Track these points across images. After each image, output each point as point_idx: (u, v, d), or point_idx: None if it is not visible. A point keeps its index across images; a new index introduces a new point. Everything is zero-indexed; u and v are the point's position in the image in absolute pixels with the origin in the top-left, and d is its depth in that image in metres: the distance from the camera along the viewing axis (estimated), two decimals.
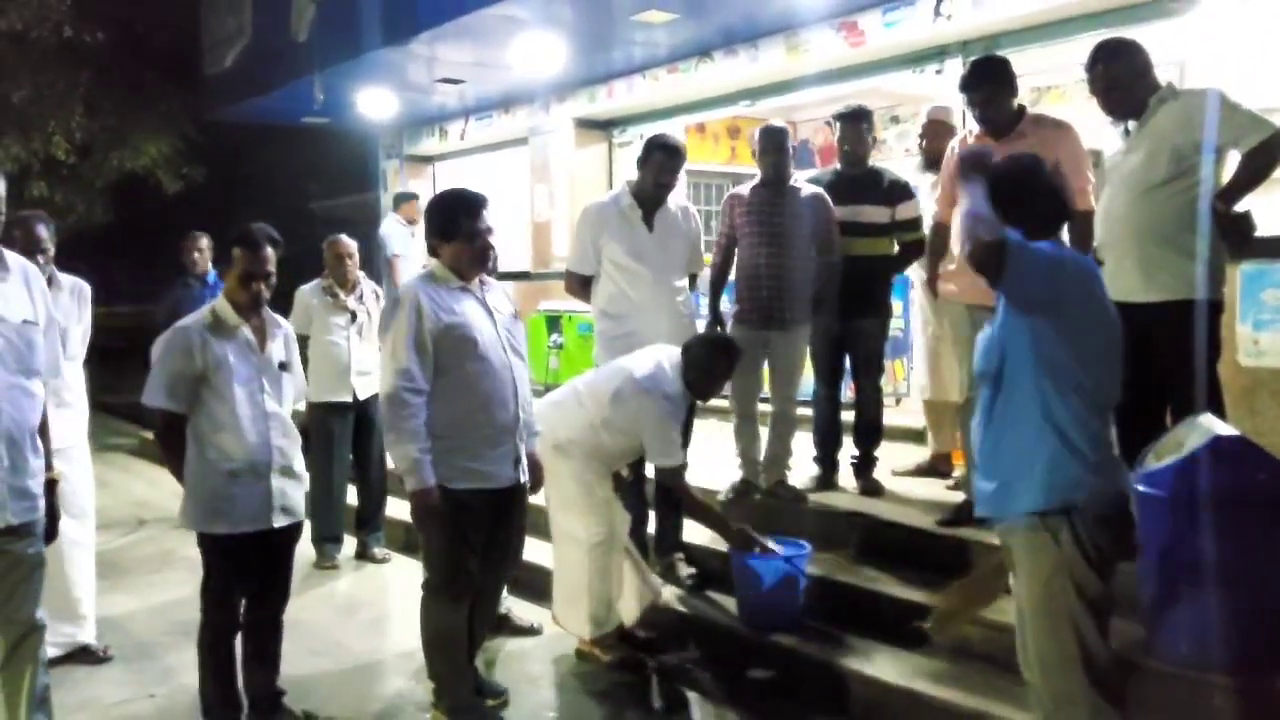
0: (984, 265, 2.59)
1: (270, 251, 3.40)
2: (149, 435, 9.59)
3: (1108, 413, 2.67)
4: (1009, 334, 2.65)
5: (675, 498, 4.41)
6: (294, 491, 3.50)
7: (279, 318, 3.58)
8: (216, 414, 3.31)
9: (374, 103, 9.36)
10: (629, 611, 4.17)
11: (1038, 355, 2.58)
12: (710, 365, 4.13)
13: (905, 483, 5.11)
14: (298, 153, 14.78)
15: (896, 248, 5.04)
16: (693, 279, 4.86)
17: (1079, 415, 2.58)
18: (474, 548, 3.54)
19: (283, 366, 3.49)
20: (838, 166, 5.10)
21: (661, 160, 4.46)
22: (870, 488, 4.91)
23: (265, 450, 3.37)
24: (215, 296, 5.38)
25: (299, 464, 3.53)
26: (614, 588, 4.11)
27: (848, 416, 5.09)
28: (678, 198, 4.68)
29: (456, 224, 3.52)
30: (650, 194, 4.53)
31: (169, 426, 3.36)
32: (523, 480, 3.65)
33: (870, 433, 5.05)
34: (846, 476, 5.04)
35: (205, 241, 6.67)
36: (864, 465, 5.02)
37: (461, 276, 3.56)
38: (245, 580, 3.48)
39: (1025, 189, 2.76)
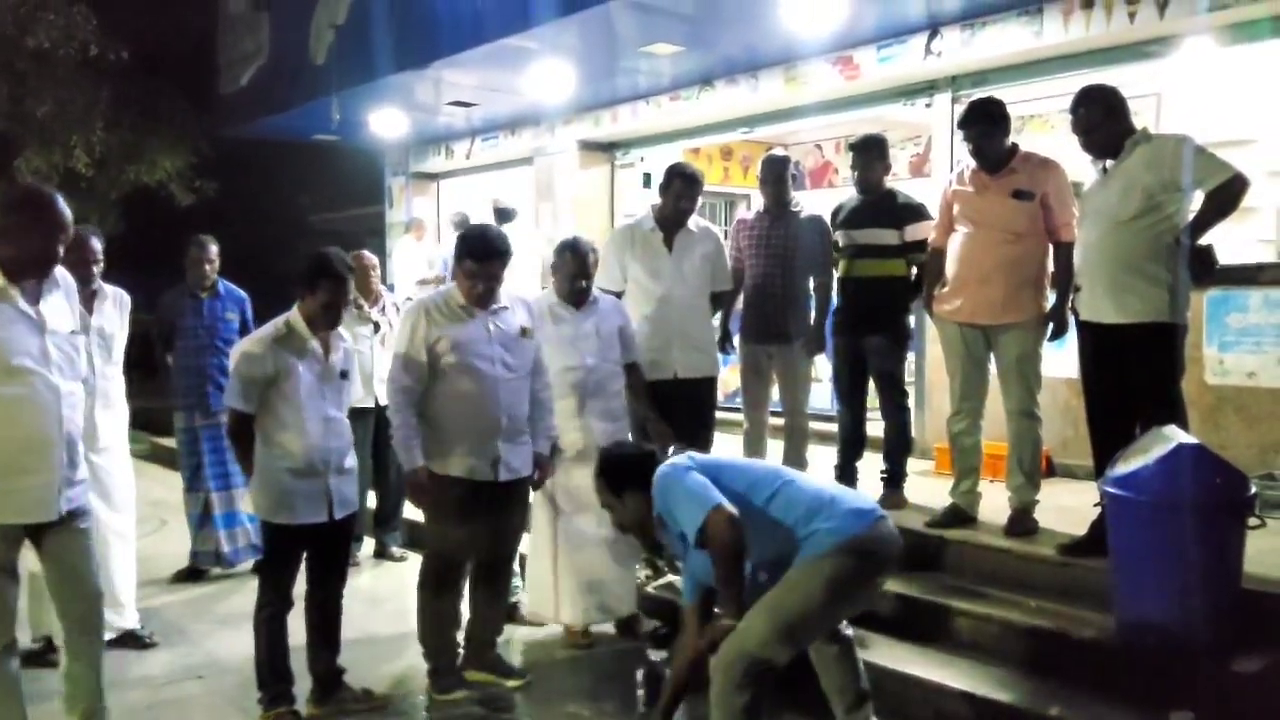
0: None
1: (351, 282, 3.76)
2: (159, 440, 9.85)
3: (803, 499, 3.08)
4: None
5: None
6: (349, 486, 3.84)
7: (343, 332, 3.89)
8: (283, 416, 3.64)
9: (384, 122, 9.58)
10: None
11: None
12: (556, 264, 4.44)
13: (915, 489, 5.25)
14: (306, 168, 14.94)
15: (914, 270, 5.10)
16: (717, 299, 5.10)
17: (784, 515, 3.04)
18: (461, 528, 3.94)
19: (343, 375, 3.82)
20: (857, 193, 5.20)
21: (681, 187, 4.82)
22: (891, 502, 4.89)
23: (324, 451, 3.70)
24: (226, 310, 5.64)
25: (350, 461, 3.87)
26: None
27: (877, 431, 5.22)
28: (699, 220, 5.00)
29: (462, 259, 3.95)
30: (671, 217, 4.89)
31: (240, 425, 3.69)
32: (502, 479, 3.98)
33: (892, 449, 5.12)
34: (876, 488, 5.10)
35: (215, 249, 5.78)
36: (889, 479, 5.09)
37: (467, 299, 3.95)
38: (299, 566, 3.79)
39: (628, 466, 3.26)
